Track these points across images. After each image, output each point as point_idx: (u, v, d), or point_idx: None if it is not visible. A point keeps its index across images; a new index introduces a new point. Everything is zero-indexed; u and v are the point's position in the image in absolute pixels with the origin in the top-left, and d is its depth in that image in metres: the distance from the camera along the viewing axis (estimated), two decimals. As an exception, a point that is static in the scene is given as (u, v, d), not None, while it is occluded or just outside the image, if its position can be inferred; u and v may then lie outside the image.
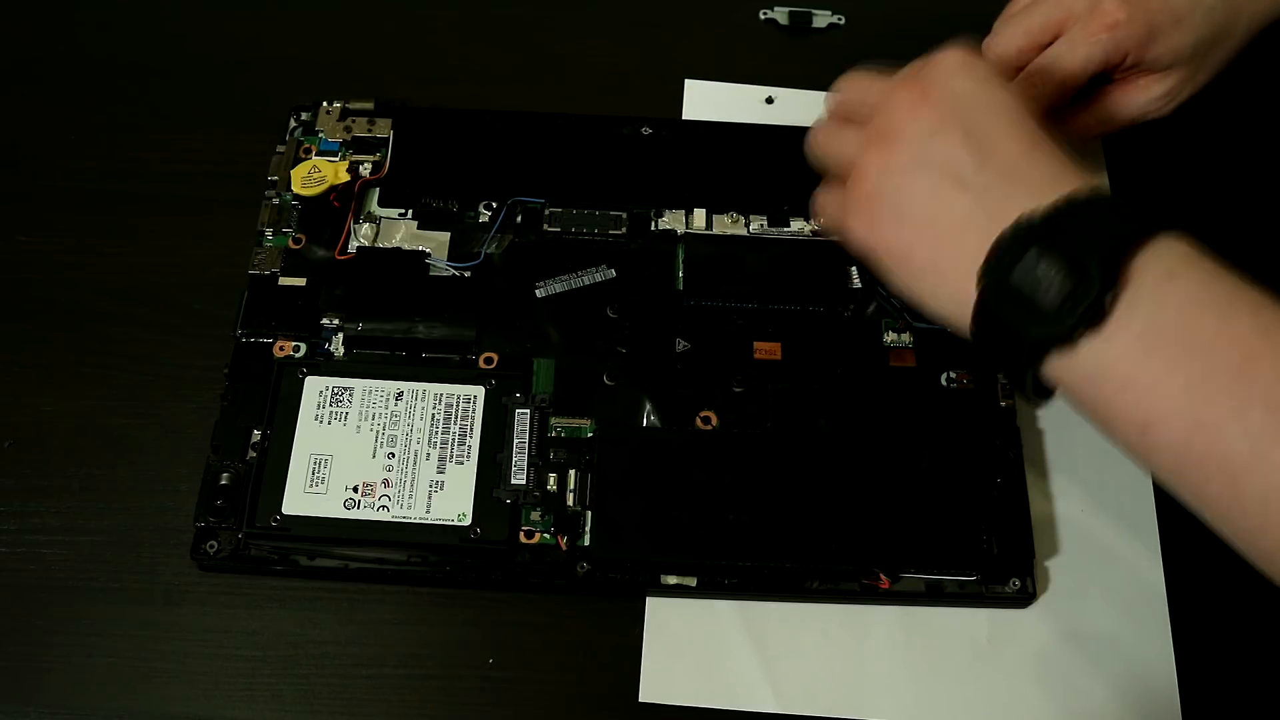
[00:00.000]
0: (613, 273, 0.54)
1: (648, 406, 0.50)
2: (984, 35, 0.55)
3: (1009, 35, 0.50)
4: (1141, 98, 0.51)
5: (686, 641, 0.48)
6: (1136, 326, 0.37)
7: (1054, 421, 0.53)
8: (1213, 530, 0.39)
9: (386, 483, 0.48)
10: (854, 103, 0.46)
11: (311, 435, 0.49)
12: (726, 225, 0.55)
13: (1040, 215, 0.38)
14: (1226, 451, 0.36)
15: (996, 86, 0.42)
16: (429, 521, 0.47)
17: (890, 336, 0.53)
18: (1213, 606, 0.49)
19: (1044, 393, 0.40)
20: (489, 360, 0.51)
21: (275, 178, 0.55)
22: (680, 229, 0.55)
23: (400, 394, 0.50)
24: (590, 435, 0.50)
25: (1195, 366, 0.36)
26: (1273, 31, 0.53)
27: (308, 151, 0.56)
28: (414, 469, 0.48)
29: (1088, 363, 0.38)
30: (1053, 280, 0.37)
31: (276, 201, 0.55)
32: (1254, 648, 0.49)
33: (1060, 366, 0.38)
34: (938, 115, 0.42)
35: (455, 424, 0.49)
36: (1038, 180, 0.40)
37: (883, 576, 0.48)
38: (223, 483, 0.48)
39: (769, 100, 0.61)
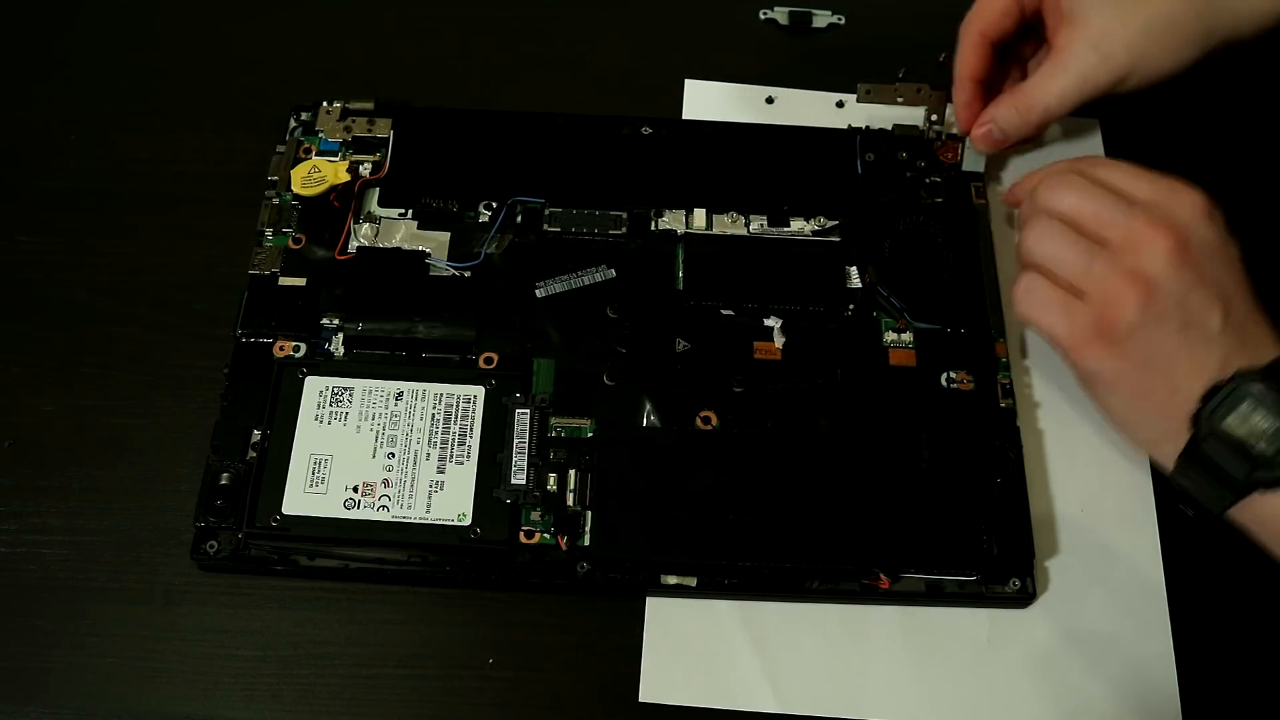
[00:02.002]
0: (613, 273, 0.54)
1: (648, 406, 0.50)
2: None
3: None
4: (1068, 57, 0.51)
5: (686, 641, 0.48)
6: None
7: (1054, 421, 0.53)
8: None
9: (386, 483, 0.48)
10: (1088, 211, 0.47)
11: (311, 435, 0.49)
12: (726, 225, 0.55)
13: (1260, 369, 0.43)
14: None
15: (1232, 239, 0.46)
16: (429, 521, 0.47)
17: (890, 336, 0.53)
18: (1213, 606, 0.49)
19: (1214, 518, 0.45)
20: (489, 360, 0.51)
21: (275, 178, 0.56)
22: (680, 229, 0.55)
23: (400, 394, 0.50)
24: (590, 435, 0.50)
25: None
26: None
27: (308, 151, 0.56)
28: (414, 469, 0.48)
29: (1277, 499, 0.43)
30: (1269, 433, 0.42)
31: (276, 201, 0.55)
32: (1254, 647, 0.49)
33: (1259, 504, 0.43)
34: (1194, 268, 0.45)
35: (455, 424, 0.49)
36: (1256, 338, 0.45)
37: (883, 576, 0.48)
38: (223, 483, 0.48)
39: (769, 100, 0.61)
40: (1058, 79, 0.51)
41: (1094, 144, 0.59)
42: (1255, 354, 0.44)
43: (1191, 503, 0.45)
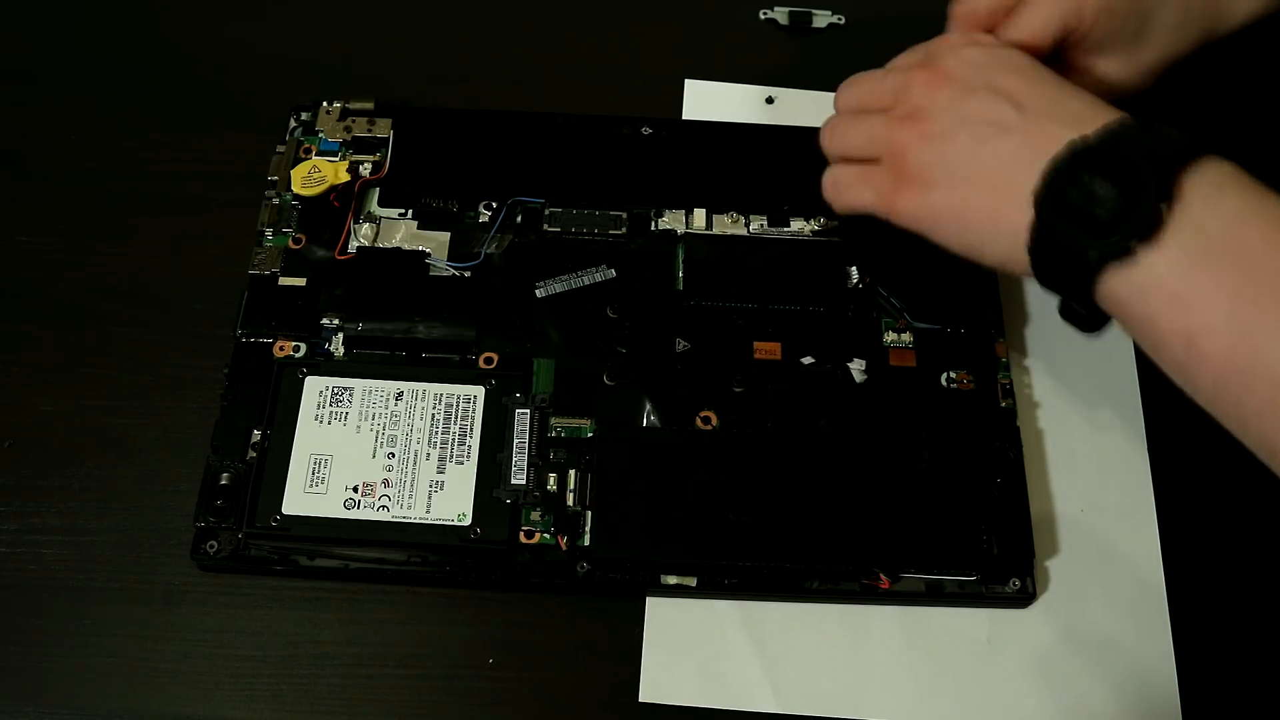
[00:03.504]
0: (613, 273, 0.54)
1: (648, 406, 0.50)
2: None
3: None
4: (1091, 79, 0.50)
5: (686, 641, 0.48)
6: (1186, 238, 0.38)
7: (1054, 421, 0.53)
8: (1251, 451, 0.40)
9: (386, 483, 0.48)
10: (866, 93, 0.48)
11: (311, 435, 0.49)
12: (726, 225, 0.55)
13: (1092, 138, 0.40)
14: (1270, 361, 0.37)
15: (1005, 48, 0.46)
16: (429, 521, 0.47)
17: (890, 336, 0.53)
18: (1213, 606, 0.49)
19: (1099, 319, 0.42)
20: (489, 360, 0.51)
21: (275, 178, 0.55)
22: (680, 229, 0.55)
23: (400, 394, 0.50)
24: (590, 435, 0.50)
25: (1241, 278, 0.38)
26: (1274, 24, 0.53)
27: (308, 151, 0.56)
28: (414, 469, 0.48)
29: (1140, 275, 0.39)
30: (1108, 194, 0.39)
31: (276, 201, 0.55)
32: (1254, 648, 0.49)
33: (1114, 283, 0.40)
34: (962, 83, 0.44)
35: (455, 424, 0.49)
36: (1076, 113, 0.42)
37: (883, 576, 0.48)
38: (223, 483, 0.48)
39: (769, 100, 0.61)
40: (1028, 17, 0.50)
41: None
42: (1080, 126, 0.41)
43: (1070, 313, 0.43)
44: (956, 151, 0.44)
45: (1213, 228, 0.38)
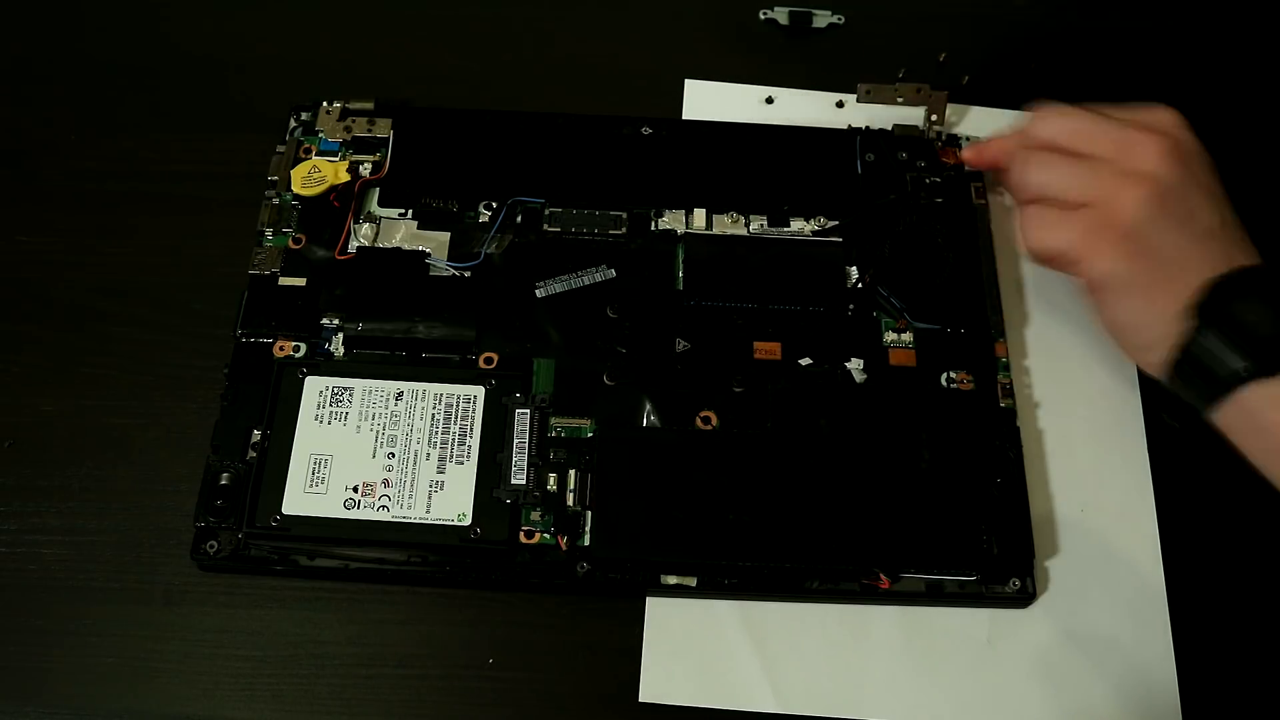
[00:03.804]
0: (613, 273, 0.54)
1: (648, 406, 0.50)
2: (982, 37, 0.55)
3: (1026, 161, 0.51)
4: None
5: (686, 641, 0.48)
6: None
7: (1054, 421, 0.53)
8: None
9: (386, 483, 0.48)
10: (1077, 135, 0.49)
11: (311, 435, 0.49)
12: (726, 225, 0.55)
13: (1261, 266, 0.45)
14: None
15: (1207, 154, 0.48)
16: (429, 521, 0.47)
17: (890, 336, 0.53)
18: (1213, 606, 0.49)
19: (1200, 419, 0.46)
20: (489, 360, 0.51)
21: (275, 178, 0.55)
22: (680, 229, 0.55)
23: (400, 394, 0.50)
24: (590, 435, 0.50)
25: None
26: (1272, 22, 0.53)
27: (308, 151, 0.56)
28: (414, 469, 0.48)
29: (1265, 392, 0.44)
30: (1265, 321, 0.44)
31: (276, 201, 0.55)
32: (1254, 648, 0.49)
33: (1250, 394, 0.44)
34: (1186, 167, 0.47)
35: (455, 424, 0.49)
36: (1245, 244, 0.47)
37: (883, 576, 0.48)
38: (223, 483, 0.48)
39: (769, 100, 0.61)
40: None
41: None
42: (1250, 255, 0.46)
43: (1178, 409, 0.46)
44: (1172, 231, 0.46)
45: None
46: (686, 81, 0.62)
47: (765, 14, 0.64)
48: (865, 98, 0.57)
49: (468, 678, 0.47)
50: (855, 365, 0.52)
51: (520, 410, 0.50)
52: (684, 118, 0.60)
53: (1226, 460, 0.52)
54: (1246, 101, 0.63)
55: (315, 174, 0.55)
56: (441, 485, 0.48)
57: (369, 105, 0.58)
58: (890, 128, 0.58)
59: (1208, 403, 0.46)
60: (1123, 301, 0.48)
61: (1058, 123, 0.50)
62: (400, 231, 0.54)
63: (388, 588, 0.48)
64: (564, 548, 0.48)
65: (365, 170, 0.56)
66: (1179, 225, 0.46)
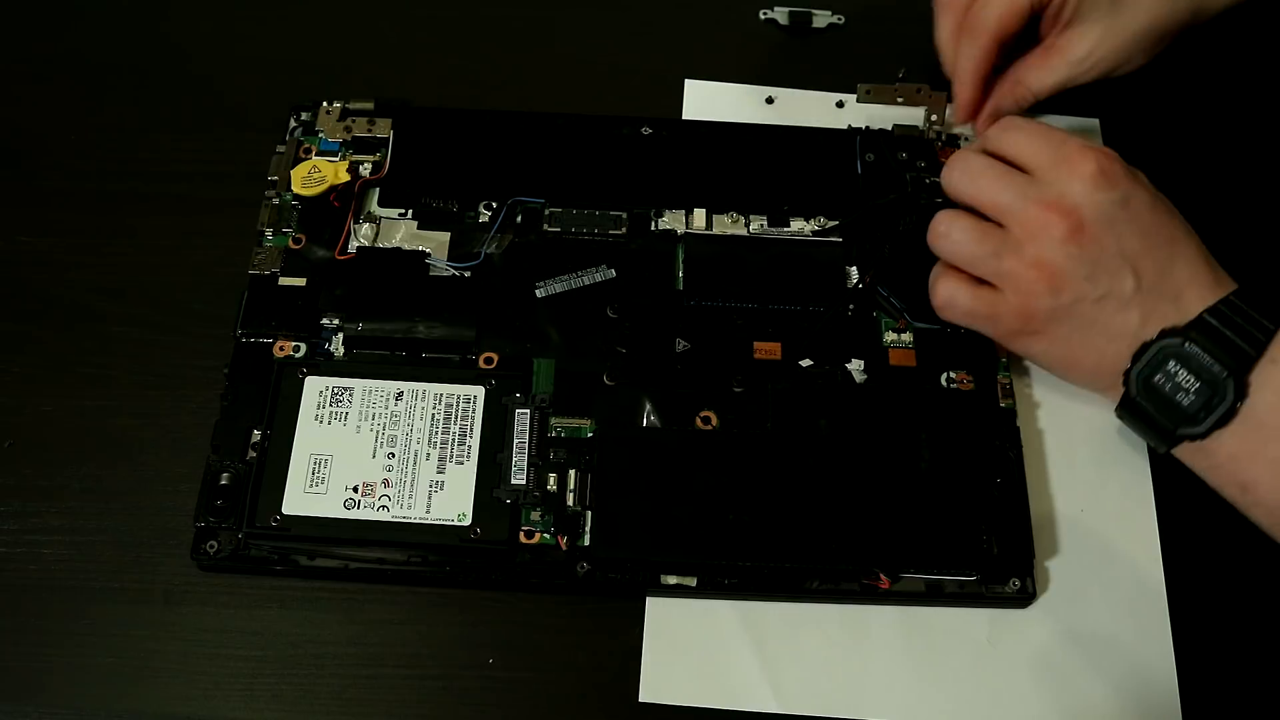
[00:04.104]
0: (613, 273, 0.54)
1: (648, 406, 0.50)
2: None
3: None
4: (1063, 59, 0.54)
5: (686, 641, 0.48)
6: (1247, 416, 0.46)
7: (1054, 421, 0.53)
8: None
9: (386, 483, 0.48)
10: (988, 198, 0.49)
11: (311, 435, 0.49)
12: (726, 225, 0.55)
13: (1184, 333, 0.46)
14: None
15: (1136, 192, 0.48)
16: (429, 521, 0.47)
17: (890, 336, 0.53)
18: (1213, 606, 0.49)
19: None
20: (489, 360, 0.51)
21: (275, 178, 0.55)
22: (680, 229, 0.55)
23: (400, 394, 0.50)
24: (590, 435, 0.50)
25: None
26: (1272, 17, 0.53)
27: (308, 151, 0.56)
28: (414, 469, 0.48)
29: (1209, 443, 0.47)
30: (1191, 391, 0.46)
31: (276, 201, 0.55)
32: (1254, 648, 0.49)
33: (1186, 446, 0.48)
34: (1096, 244, 0.47)
35: (455, 424, 0.49)
36: (1180, 287, 0.48)
37: (883, 576, 0.48)
38: (223, 483, 0.48)
39: (769, 100, 0.61)
40: (1052, 75, 0.54)
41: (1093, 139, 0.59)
42: (1179, 305, 0.47)
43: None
44: (1081, 314, 0.48)
45: (1267, 401, 0.45)
46: (686, 81, 0.62)
47: (765, 14, 0.64)
48: (865, 98, 0.57)
49: (468, 678, 0.47)
50: (855, 366, 0.52)
51: (520, 410, 0.50)
52: (684, 118, 0.60)
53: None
54: (1245, 100, 0.63)
55: (315, 174, 0.55)
56: (441, 485, 0.48)
57: (369, 105, 0.58)
58: (890, 128, 0.58)
59: (1161, 449, 0.49)
60: (1049, 369, 0.52)
61: (966, 184, 0.50)
62: (400, 231, 0.54)
63: (388, 588, 0.48)
64: (564, 548, 0.48)
65: (365, 170, 0.56)
66: (1091, 304, 0.48)
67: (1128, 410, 0.48)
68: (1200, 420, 0.46)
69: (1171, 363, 0.46)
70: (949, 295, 0.50)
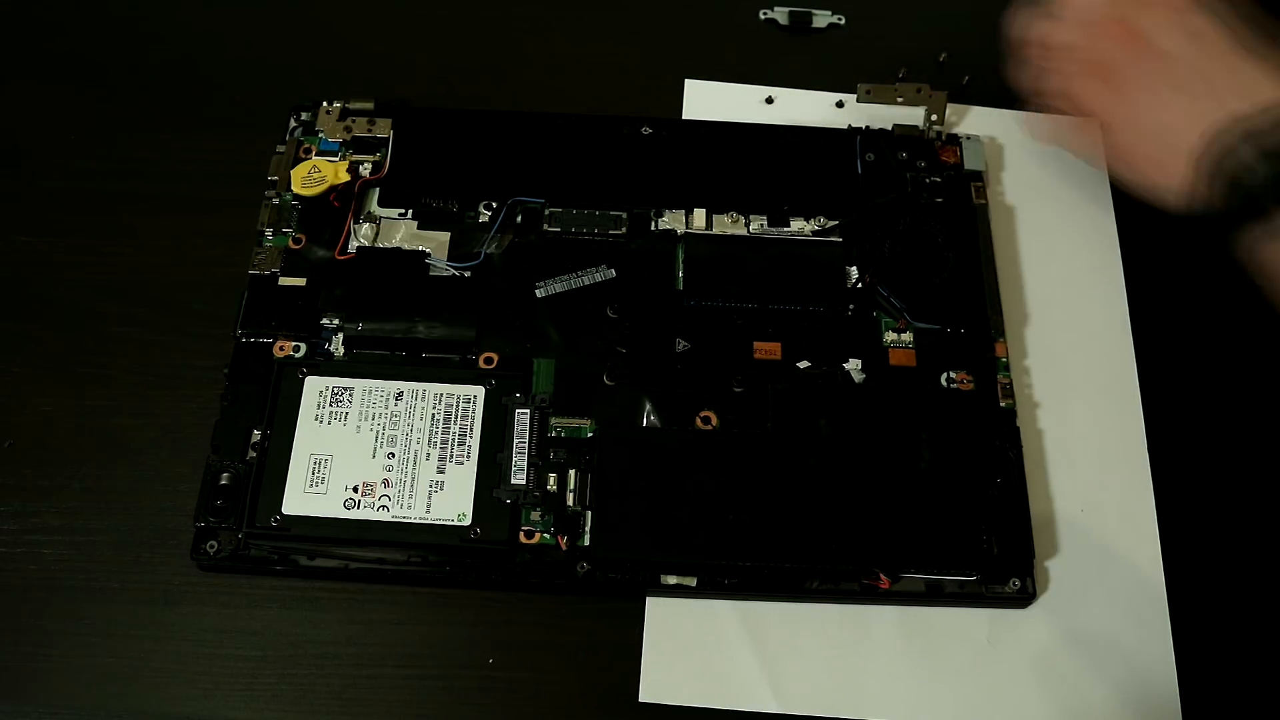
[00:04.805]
0: (613, 273, 0.54)
1: (648, 406, 0.50)
2: (982, 37, 0.55)
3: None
4: None
5: (686, 641, 0.48)
6: None
7: (1054, 421, 0.53)
8: None
9: (386, 483, 0.48)
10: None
11: (311, 435, 0.49)
12: (726, 225, 0.55)
13: (1254, 117, 0.46)
14: None
15: (1193, 12, 0.49)
16: (429, 521, 0.47)
17: (890, 336, 0.53)
18: (1213, 606, 0.49)
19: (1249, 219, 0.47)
20: (489, 360, 0.51)
21: (275, 178, 0.55)
22: (680, 229, 0.55)
23: (400, 394, 0.50)
24: (590, 435, 0.50)
25: None
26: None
27: (308, 151, 0.56)
28: (414, 469, 0.48)
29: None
30: (1261, 169, 0.45)
31: (276, 201, 0.55)
32: (1254, 648, 0.49)
33: (1254, 234, 0.46)
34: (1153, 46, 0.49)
35: (455, 424, 0.49)
36: (1248, 84, 0.47)
37: (883, 576, 0.48)
38: (223, 483, 0.48)
39: (769, 100, 0.61)
40: None
41: (1093, 142, 0.59)
42: (1249, 100, 0.47)
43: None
44: (1143, 105, 0.49)
45: None
46: (686, 81, 0.62)
47: (765, 14, 0.64)
48: (865, 98, 0.57)
49: (468, 678, 0.47)
50: (854, 366, 0.52)
51: (520, 410, 0.50)
52: (684, 118, 0.60)
53: (1227, 460, 0.52)
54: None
55: (315, 174, 0.55)
56: (441, 485, 0.48)
57: (369, 105, 0.58)
58: (890, 128, 0.58)
59: (1240, 226, 0.47)
60: (1120, 167, 0.51)
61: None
62: (400, 231, 0.54)
63: (388, 588, 0.48)
64: (564, 548, 0.48)
65: (365, 170, 0.56)
66: (1153, 103, 0.49)
67: (1197, 196, 0.47)
68: (1265, 199, 0.45)
69: (1242, 145, 0.46)
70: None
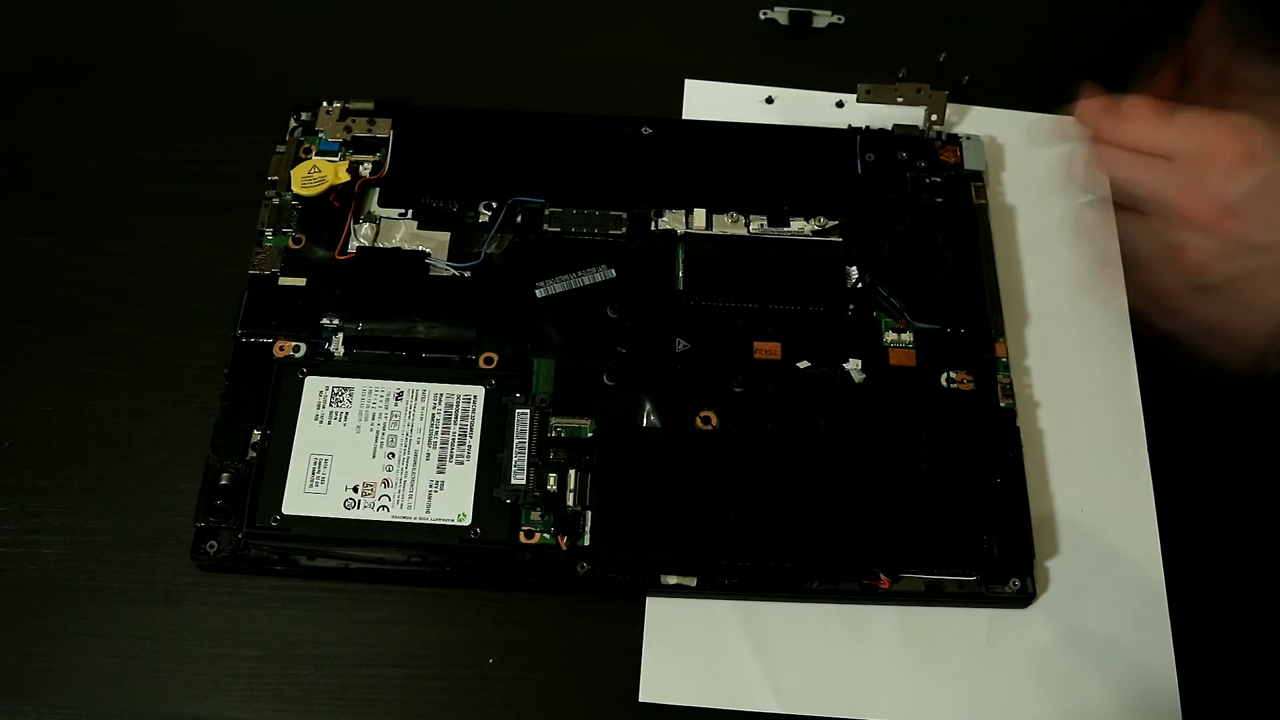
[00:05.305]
0: (613, 273, 0.54)
1: (648, 406, 0.50)
2: (982, 37, 0.55)
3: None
4: None
5: (686, 641, 0.48)
6: None
7: (1054, 421, 0.53)
8: None
9: (386, 483, 0.48)
10: (1149, 139, 0.49)
11: (311, 435, 0.49)
12: (726, 225, 0.55)
13: None
14: None
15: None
16: (429, 521, 0.47)
17: (890, 336, 0.53)
18: (1213, 606, 0.49)
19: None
20: (489, 360, 0.51)
21: (275, 178, 0.55)
22: (680, 229, 0.55)
23: (400, 394, 0.50)
24: (590, 435, 0.50)
25: None
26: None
27: (308, 151, 0.56)
28: (414, 469, 0.48)
29: None
30: None
31: (276, 201, 0.55)
32: (1254, 648, 0.49)
33: None
34: (1271, 185, 0.46)
35: (455, 424, 0.49)
36: None
37: (883, 576, 0.48)
38: (223, 483, 0.48)
39: (769, 100, 0.61)
40: None
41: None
42: None
43: None
44: (1251, 277, 0.47)
45: None
46: (686, 81, 0.62)
47: (765, 14, 0.64)
48: (865, 98, 0.57)
49: (468, 678, 0.47)
50: (854, 366, 0.52)
51: (520, 410, 0.50)
52: (684, 118, 0.60)
53: (1227, 460, 0.52)
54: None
55: (315, 174, 0.55)
56: (441, 485, 0.48)
57: (369, 105, 0.58)
58: (890, 128, 0.58)
59: None
60: (1202, 340, 0.49)
61: (1128, 123, 0.49)
62: (400, 231, 0.54)
63: (388, 588, 0.48)
64: (564, 548, 0.48)
65: (365, 170, 0.56)
66: (1265, 276, 0.47)
67: None
68: None
69: None
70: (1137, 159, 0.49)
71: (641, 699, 0.46)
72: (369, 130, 0.57)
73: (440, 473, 0.48)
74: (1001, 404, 0.51)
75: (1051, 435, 0.52)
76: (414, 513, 0.48)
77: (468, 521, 0.47)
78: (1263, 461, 0.52)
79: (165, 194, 0.57)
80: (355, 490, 0.48)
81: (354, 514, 0.47)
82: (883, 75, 0.58)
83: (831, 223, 0.55)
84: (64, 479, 0.50)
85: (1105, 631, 0.48)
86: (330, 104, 0.58)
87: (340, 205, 0.55)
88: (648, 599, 0.48)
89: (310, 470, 0.48)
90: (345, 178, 0.55)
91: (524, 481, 0.48)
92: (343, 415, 0.49)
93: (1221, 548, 0.51)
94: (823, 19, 0.64)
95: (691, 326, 0.53)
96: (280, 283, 0.53)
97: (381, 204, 0.55)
